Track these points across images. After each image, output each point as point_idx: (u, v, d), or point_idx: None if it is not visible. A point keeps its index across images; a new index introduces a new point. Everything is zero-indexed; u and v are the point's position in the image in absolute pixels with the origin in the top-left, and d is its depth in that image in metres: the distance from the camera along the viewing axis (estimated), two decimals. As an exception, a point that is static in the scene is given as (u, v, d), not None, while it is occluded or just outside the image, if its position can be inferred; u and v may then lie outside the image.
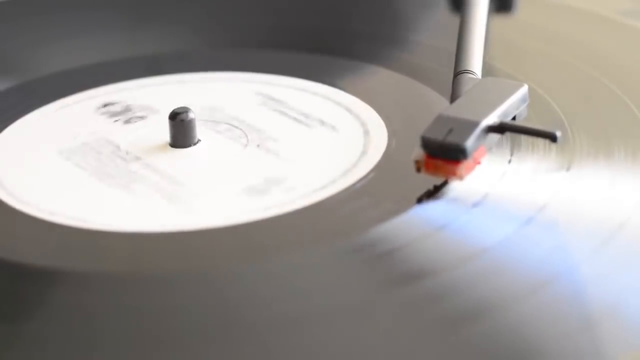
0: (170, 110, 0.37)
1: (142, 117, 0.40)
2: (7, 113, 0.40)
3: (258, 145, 0.37)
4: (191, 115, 0.37)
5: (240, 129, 0.38)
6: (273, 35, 0.46)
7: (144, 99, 0.41)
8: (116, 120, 0.40)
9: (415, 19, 0.48)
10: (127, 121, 0.40)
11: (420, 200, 0.33)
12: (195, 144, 0.38)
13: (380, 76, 0.42)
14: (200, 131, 0.38)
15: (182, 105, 0.38)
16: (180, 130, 0.37)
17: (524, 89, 0.35)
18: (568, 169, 0.35)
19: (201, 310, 0.29)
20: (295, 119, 0.39)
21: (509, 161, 0.35)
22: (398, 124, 0.38)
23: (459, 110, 0.34)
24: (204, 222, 0.33)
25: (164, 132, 0.38)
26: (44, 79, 0.43)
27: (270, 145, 0.37)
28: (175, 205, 0.34)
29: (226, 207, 0.34)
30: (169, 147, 0.38)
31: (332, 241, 0.32)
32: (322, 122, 0.39)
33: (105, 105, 0.41)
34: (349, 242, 0.32)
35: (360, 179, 0.35)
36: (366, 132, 0.38)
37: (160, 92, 0.42)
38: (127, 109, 0.41)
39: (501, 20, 0.47)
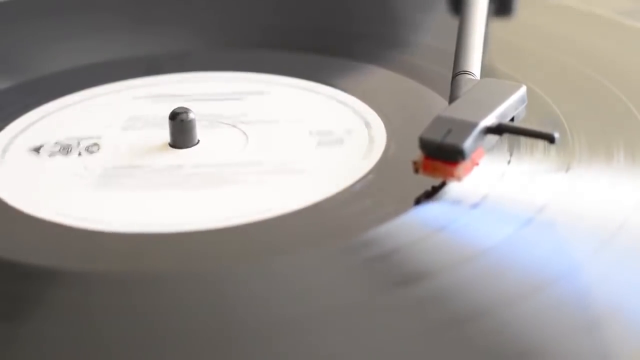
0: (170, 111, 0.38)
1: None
2: (7, 112, 0.40)
3: (256, 146, 0.37)
4: (191, 115, 0.37)
5: (240, 129, 0.39)
6: (273, 35, 0.46)
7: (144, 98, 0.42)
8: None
9: (415, 20, 0.48)
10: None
11: (418, 201, 0.33)
12: (195, 144, 0.38)
13: (379, 77, 0.42)
14: (200, 131, 0.38)
15: (181, 105, 0.38)
16: (180, 130, 0.37)
17: (522, 90, 0.35)
18: (567, 169, 0.35)
19: (201, 310, 0.29)
20: (294, 120, 0.39)
21: (508, 162, 0.35)
22: (397, 125, 0.38)
23: (458, 111, 0.34)
24: (204, 222, 0.33)
25: (165, 132, 0.38)
26: (44, 78, 0.43)
27: (270, 146, 0.37)
28: (175, 205, 0.34)
29: (226, 206, 0.34)
30: (169, 147, 0.38)
31: (332, 242, 0.32)
32: (321, 123, 0.39)
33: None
34: (348, 242, 0.32)
35: (360, 180, 0.35)
36: (365, 133, 0.38)
37: (161, 93, 0.42)
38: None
39: (500, 20, 0.47)
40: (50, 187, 0.35)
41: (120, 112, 0.40)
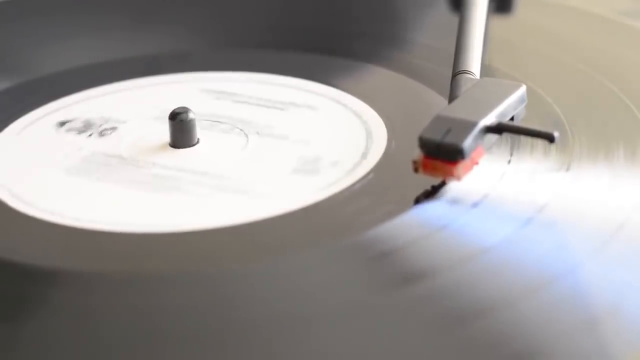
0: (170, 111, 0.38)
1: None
2: (7, 113, 0.40)
3: (256, 146, 0.37)
4: (191, 115, 0.37)
5: (241, 129, 0.39)
6: (273, 35, 0.46)
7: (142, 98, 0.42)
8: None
9: (415, 19, 0.48)
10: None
11: (418, 200, 0.33)
12: (195, 144, 0.38)
13: (379, 76, 0.42)
14: (201, 131, 0.38)
15: (181, 105, 0.38)
16: (180, 130, 0.37)
17: (522, 90, 0.35)
18: (568, 169, 0.35)
19: (201, 310, 0.29)
20: (294, 119, 0.39)
21: (509, 161, 0.35)
22: (397, 124, 0.38)
23: (457, 110, 0.34)
24: (204, 222, 0.33)
25: (165, 133, 0.38)
26: (43, 79, 0.43)
27: (270, 145, 0.37)
28: (175, 205, 0.34)
29: (226, 206, 0.34)
30: (169, 148, 0.38)
31: (332, 242, 0.32)
32: (322, 123, 0.39)
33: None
34: (348, 242, 0.32)
35: (360, 180, 0.35)
36: (365, 133, 0.38)
37: (161, 92, 0.42)
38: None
39: (500, 20, 0.47)
40: (50, 187, 0.35)
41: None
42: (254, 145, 0.37)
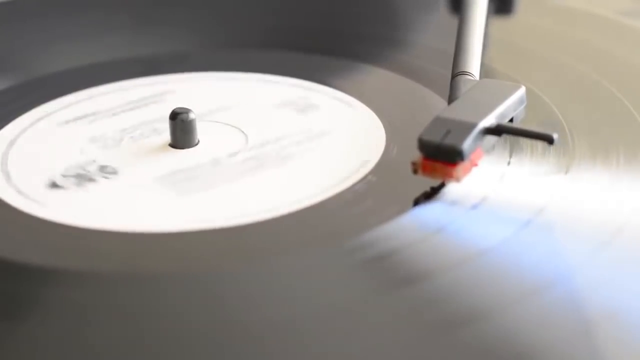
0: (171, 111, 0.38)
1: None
2: (6, 112, 0.40)
3: (255, 146, 0.37)
4: (192, 115, 0.37)
5: (240, 130, 0.39)
6: (272, 35, 0.46)
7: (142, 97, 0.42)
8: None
9: (414, 20, 0.48)
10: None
11: (417, 202, 0.33)
12: (195, 145, 0.38)
13: (379, 77, 0.42)
14: (201, 131, 0.38)
15: (182, 106, 0.38)
16: (181, 130, 0.37)
17: (521, 91, 0.35)
18: (567, 171, 0.35)
19: (201, 310, 0.29)
20: (294, 120, 0.39)
21: (508, 163, 0.35)
22: (396, 126, 0.38)
23: (457, 112, 0.34)
24: (203, 222, 0.33)
25: (165, 132, 0.38)
26: (43, 78, 0.43)
27: (269, 147, 0.37)
28: (175, 205, 0.34)
29: (225, 207, 0.34)
30: (169, 148, 0.38)
31: (331, 243, 0.32)
32: (321, 123, 0.39)
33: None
34: (347, 243, 0.32)
35: (359, 181, 0.35)
36: (364, 134, 0.38)
37: (162, 93, 0.42)
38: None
39: (500, 21, 0.47)
40: (49, 186, 0.35)
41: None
42: (253, 145, 0.37)
